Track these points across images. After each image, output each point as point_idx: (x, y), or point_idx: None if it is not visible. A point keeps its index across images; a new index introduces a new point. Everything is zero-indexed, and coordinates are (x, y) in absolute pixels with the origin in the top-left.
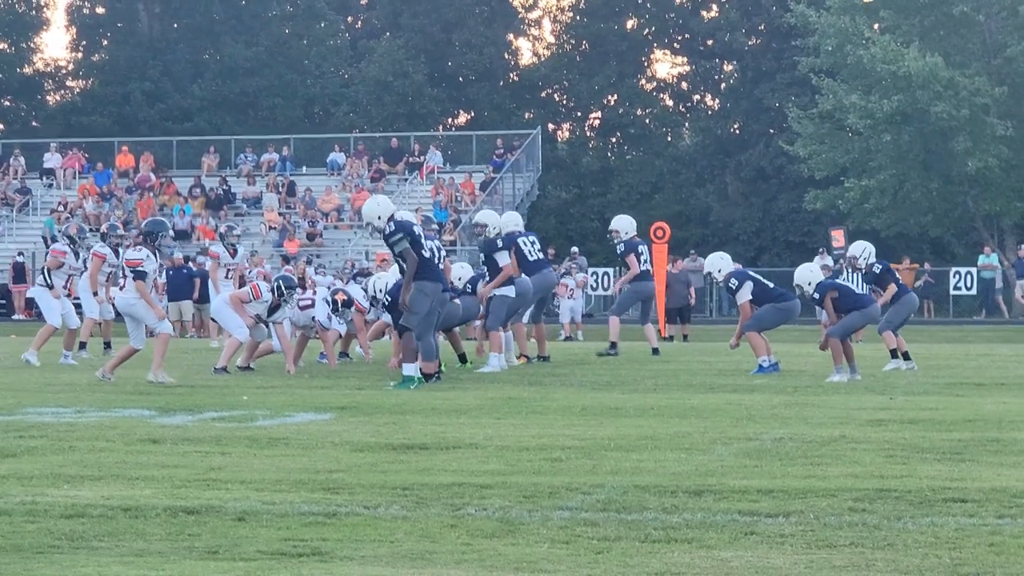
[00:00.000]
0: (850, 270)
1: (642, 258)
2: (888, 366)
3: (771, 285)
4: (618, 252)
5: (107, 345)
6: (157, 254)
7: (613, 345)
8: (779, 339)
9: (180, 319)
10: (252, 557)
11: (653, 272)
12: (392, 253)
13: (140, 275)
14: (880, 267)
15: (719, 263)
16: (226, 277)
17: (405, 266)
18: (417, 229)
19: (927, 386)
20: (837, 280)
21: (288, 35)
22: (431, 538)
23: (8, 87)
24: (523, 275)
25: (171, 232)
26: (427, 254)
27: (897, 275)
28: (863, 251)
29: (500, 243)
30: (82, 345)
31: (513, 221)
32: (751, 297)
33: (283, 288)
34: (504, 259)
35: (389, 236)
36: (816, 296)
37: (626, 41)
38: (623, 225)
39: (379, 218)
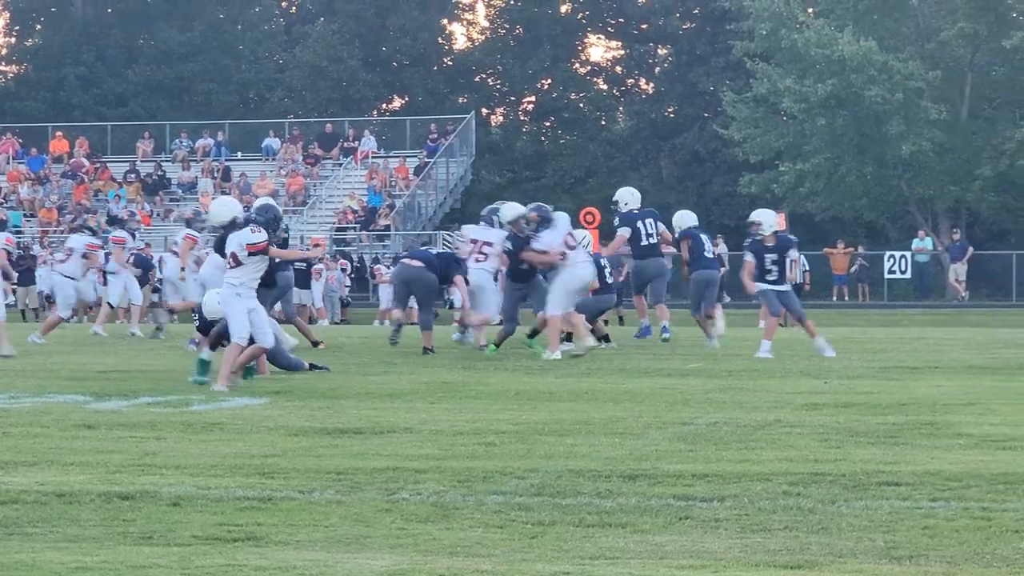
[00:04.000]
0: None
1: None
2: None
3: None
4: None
5: (158, 329)
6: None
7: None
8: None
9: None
10: (187, 542)
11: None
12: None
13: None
14: (679, 236)
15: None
16: (128, 261)
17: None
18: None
19: (862, 370)
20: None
21: (223, 20)
22: (366, 522)
23: None
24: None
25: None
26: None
27: (684, 249)
28: (679, 219)
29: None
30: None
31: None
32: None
33: None
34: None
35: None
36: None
37: (560, 25)
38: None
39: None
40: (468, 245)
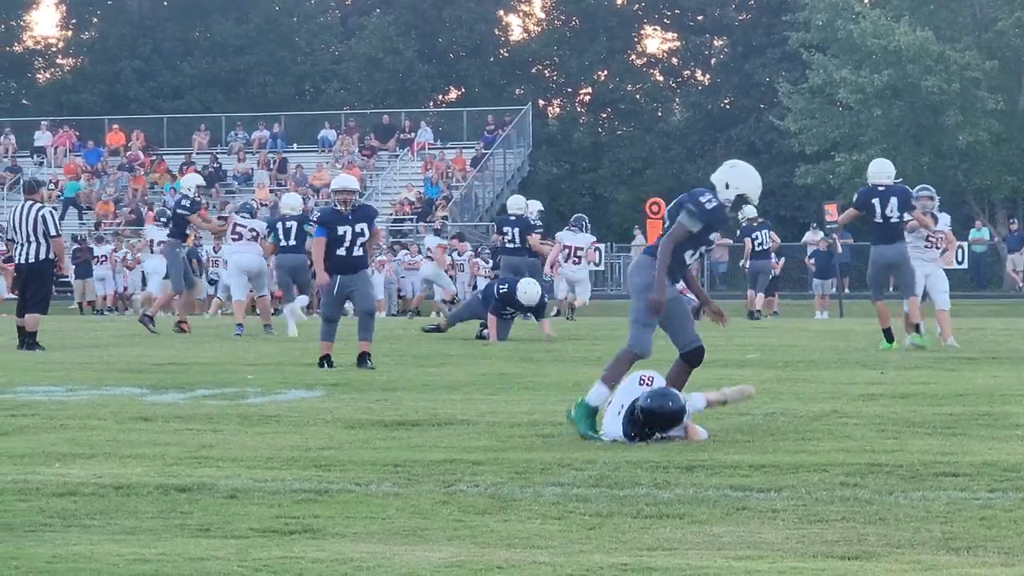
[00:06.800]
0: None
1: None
2: None
3: None
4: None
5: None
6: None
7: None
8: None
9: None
10: (244, 535)
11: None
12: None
13: None
14: None
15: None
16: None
17: None
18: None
19: (918, 360)
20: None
21: (278, 12)
22: (423, 515)
23: None
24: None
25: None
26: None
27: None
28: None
29: None
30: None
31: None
32: None
33: None
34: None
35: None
36: None
37: (616, 16)
38: None
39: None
40: (561, 250)
